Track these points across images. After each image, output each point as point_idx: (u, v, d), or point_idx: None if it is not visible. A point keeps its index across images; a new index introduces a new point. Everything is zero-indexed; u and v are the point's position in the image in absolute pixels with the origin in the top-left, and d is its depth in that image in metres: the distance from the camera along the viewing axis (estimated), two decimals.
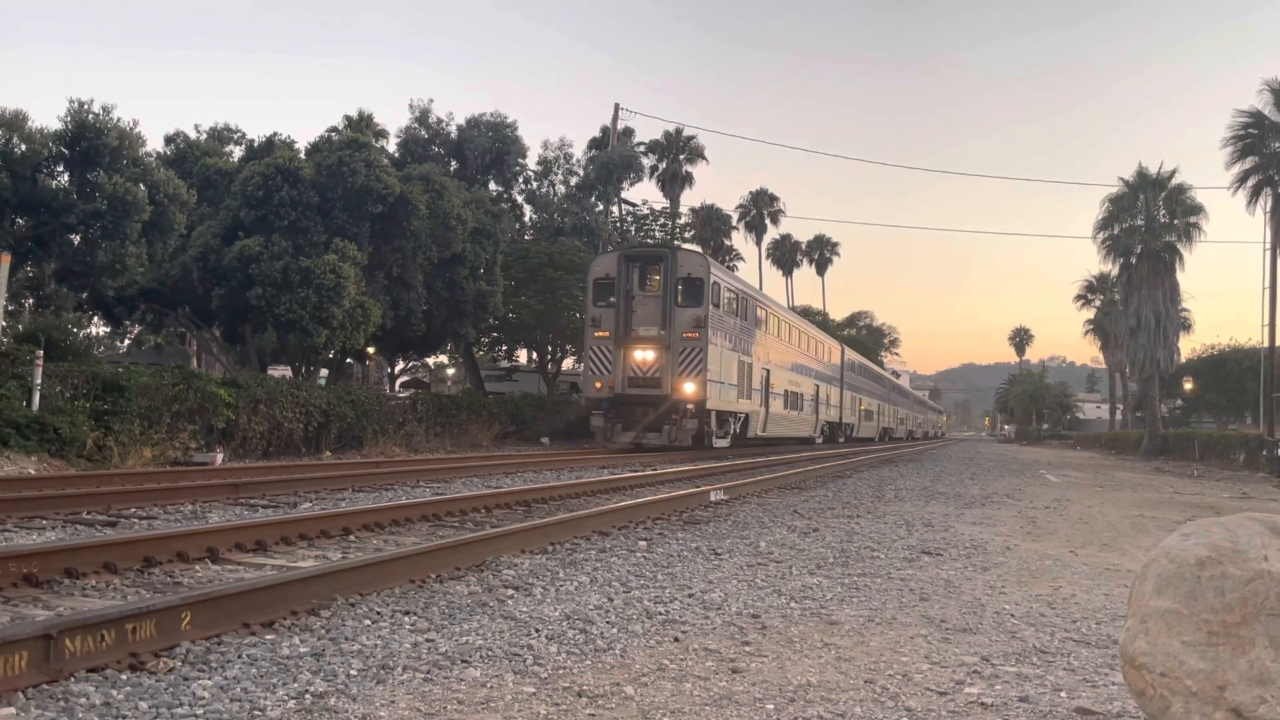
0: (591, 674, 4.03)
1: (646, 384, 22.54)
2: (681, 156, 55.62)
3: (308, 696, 3.54)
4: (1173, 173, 45.18)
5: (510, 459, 17.76)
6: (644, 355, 22.70)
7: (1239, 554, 2.92)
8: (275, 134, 29.11)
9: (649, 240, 43.38)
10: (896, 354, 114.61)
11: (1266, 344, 37.87)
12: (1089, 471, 27.51)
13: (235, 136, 31.31)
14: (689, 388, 22.08)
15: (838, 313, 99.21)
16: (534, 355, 41.08)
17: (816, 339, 38.84)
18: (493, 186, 36.27)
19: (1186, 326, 53.56)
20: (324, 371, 29.16)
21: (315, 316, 22.17)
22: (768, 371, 28.53)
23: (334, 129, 31.32)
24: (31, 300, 22.00)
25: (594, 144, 43.17)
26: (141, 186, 19.67)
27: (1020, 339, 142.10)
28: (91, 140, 19.21)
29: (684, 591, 5.91)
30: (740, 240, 73.86)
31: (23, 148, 18.83)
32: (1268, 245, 37.29)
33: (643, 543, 7.96)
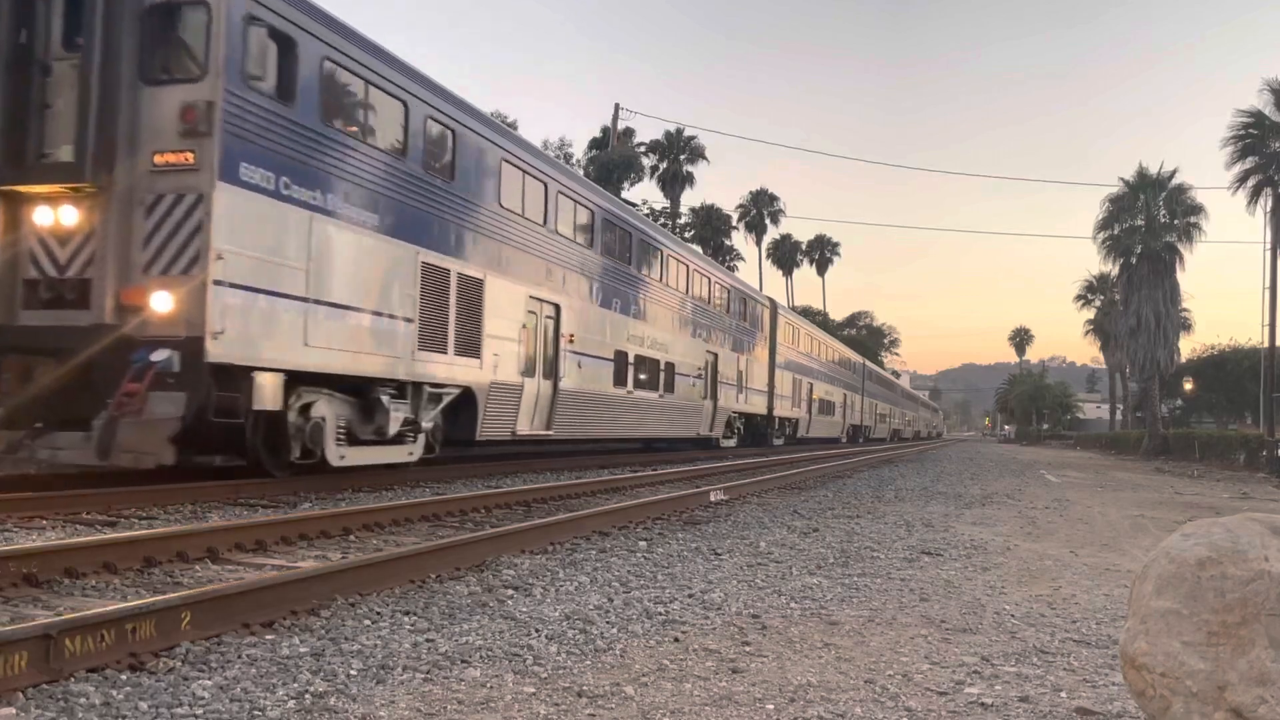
0: (591, 674, 4.03)
1: (59, 297, 9.04)
2: (682, 156, 55.69)
3: (308, 696, 3.54)
4: (1173, 173, 45.40)
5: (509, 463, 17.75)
6: (54, 220, 8.98)
7: (1239, 554, 2.92)
8: None
9: None
10: (896, 354, 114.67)
11: (1266, 344, 37.88)
12: (1089, 472, 27.51)
13: None
14: (164, 301, 8.75)
15: (838, 313, 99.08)
16: None
17: (715, 278, 25.83)
18: None
19: (1186, 326, 53.68)
20: None
21: None
22: (556, 308, 15.64)
23: None
24: None
25: (594, 144, 43.23)
26: None
27: (1020, 339, 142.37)
28: None
29: (684, 591, 5.91)
30: (740, 240, 74.04)
31: None
32: (1268, 245, 37.35)
33: (643, 543, 7.97)
